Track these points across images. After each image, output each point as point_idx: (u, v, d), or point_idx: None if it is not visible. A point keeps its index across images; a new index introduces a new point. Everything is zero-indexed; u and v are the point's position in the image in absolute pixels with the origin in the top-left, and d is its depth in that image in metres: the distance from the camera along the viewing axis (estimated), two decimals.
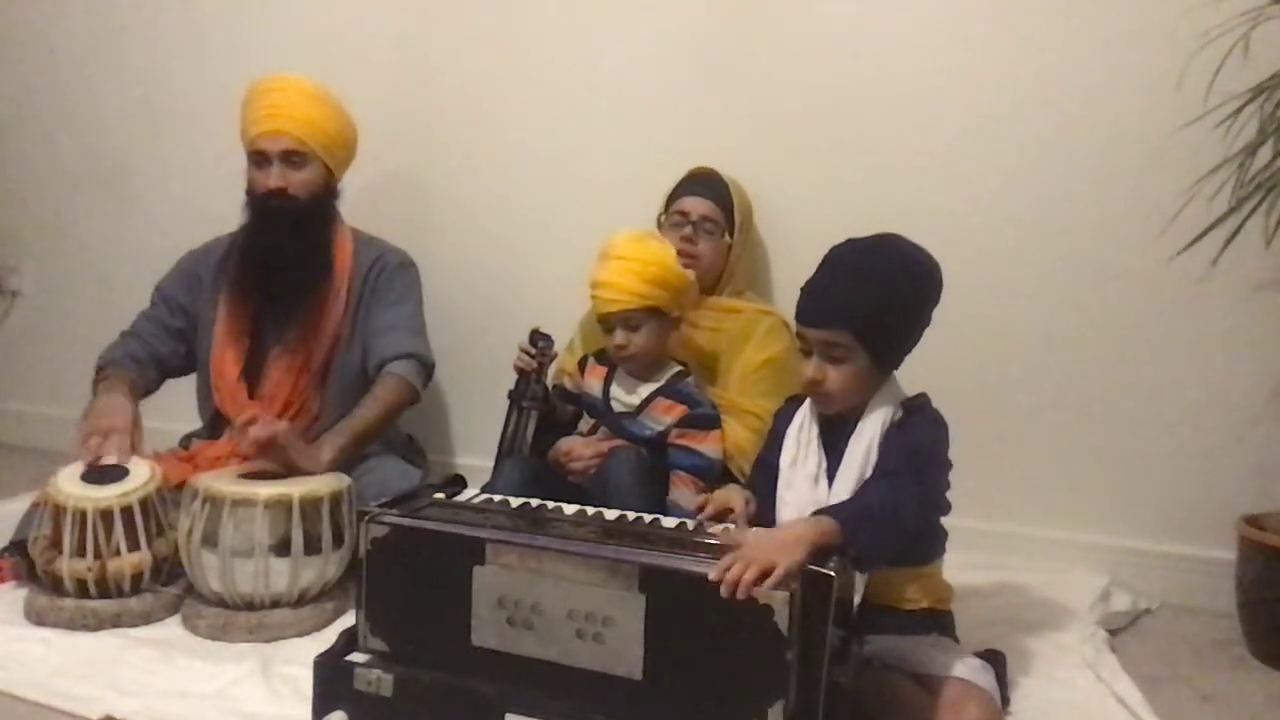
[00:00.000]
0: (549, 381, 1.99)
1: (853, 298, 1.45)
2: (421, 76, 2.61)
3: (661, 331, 1.85)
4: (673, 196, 2.09)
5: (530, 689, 1.30)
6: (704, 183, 2.08)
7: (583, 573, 1.29)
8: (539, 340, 1.95)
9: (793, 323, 2.00)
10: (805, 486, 1.50)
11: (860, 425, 1.49)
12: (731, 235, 2.05)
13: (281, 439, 1.86)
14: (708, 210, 2.04)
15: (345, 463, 1.99)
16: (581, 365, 1.98)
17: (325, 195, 2.18)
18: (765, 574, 1.19)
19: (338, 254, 2.21)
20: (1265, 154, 1.65)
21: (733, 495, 1.58)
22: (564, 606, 1.29)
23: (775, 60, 2.26)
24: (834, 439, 1.52)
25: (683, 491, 1.79)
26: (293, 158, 2.11)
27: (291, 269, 2.12)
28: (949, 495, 1.51)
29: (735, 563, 1.21)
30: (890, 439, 1.47)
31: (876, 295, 1.45)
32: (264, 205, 2.12)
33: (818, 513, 1.34)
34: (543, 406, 1.94)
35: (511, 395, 1.95)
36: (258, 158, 2.11)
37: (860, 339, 1.45)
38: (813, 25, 2.23)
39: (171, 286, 2.26)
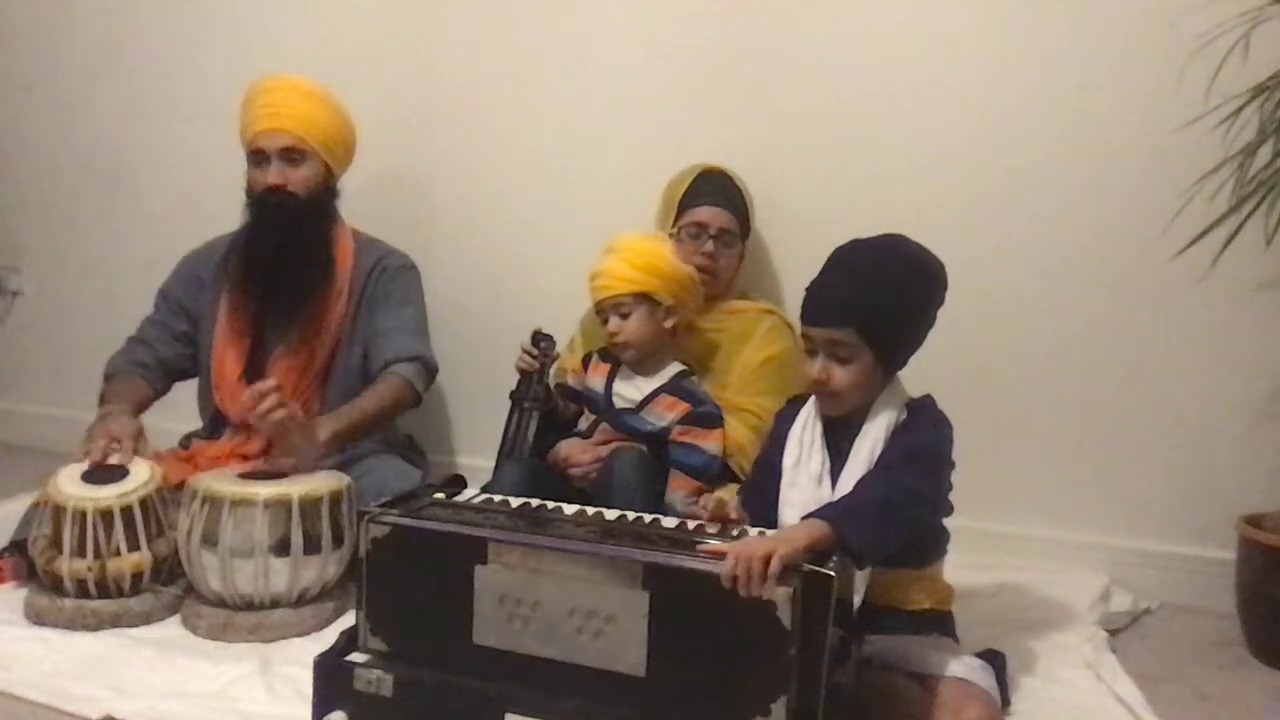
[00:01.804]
0: (550, 381, 1.99)
1: (858, 296, 1.45)
2: (421, 76, 2.61)
3: (653, 319, 1.85)
4: (685, 204, 2.03)
5: (532, 687, 1.30)
6: (719, 191, 2.02)
7: (585, 571, 1.29)
8: (541, 340, 1.95)
9: (795, 322, 2.02)
10: (809, 486, 1.50)
11: (865, 426, 1.49)
12: (745, 242, 2.04)
13: (291, 420, 1.86)
14: (727, 222, 2.00)
15: (343, 461, 1.99)
16: (585, 362, 1.99)
17: (324, 193, 2.18)
18: (764, 564, 1.19)
19: (338, 254, 2.21)
20: (1265, 154, 1.65)
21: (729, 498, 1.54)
22: (566, 605, 1.30)
23: (776, 60, 2.26)
24: (838, 439, 1.52)
25: (678, 494, 1.79)
26: (291, 155, 2.11)
27: (292, 266, 2.12)
28: (950, 496, 1.51)
29: (736, 563, 1.20)
30: (895, 439, 1.47)
31: (881, 293, 1.45)
32: (263, 203, 2.12)
33: (807, 516, 1.33)
34: (544, 407, 1.94)
35: (513, 395, 1.95)
36: (257, 156, 2.12)
37: (865, 337, 1.45)
38: (814, 25, 2.23)
39: (174, 289, 2.27)
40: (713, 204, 2.01)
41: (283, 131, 2.09)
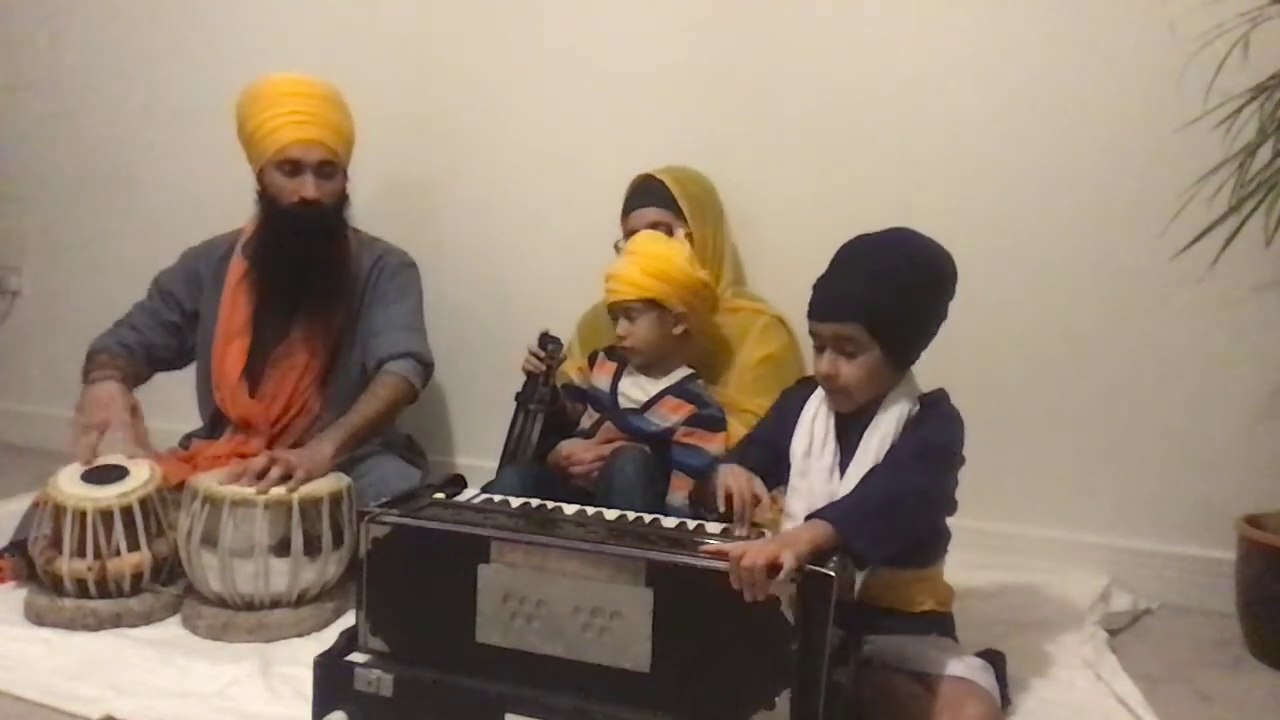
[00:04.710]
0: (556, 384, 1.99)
1: (864, 291, 1.45)
2: (423, 77, 2.61)
3: (661, 326, 1.85)
4: (623, 218, 2.10)
5: (535, 684, 1.31)
6: (643, 193, 2.08)
7: (589, 569, 1.29)
8: (548, 343, 1.94)
9: (789, 321, 2.03)
10: (821, 477, 1.50)
11: (876, 419, 1.48)
12: (687, 227, 2.05)
13: (299, 472, 1.82)
14: (653, 215, 2.04)
15: (343, 461, 1.99)
16: (592, 360, 1.99)
17: (344, 201, 2.18)
18: (770, 565, 1.20)
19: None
20: (1265, 154, 1.65)
21: (758, 486, 1.48)
22: (570, 602, 1.30)
23: (776, 60, 2.27)
24: (849, 431, 1.51)
25: (679, 495, 1.79)
26: (325, 169, 2.10)
27: (312, 275, 2.11)
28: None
29: (742, 561, 1.21)
30: (906, 433, 1.47)
31: (888, 288, 1.45)
32: (295, 215, 2.09)
33: (811, 516, 1.33)
34: (549, 409, 1.93)
35: (519, 397, 1.95)
36: (288, 166, 2.08)
37: (872, 332, 1.45)
38: (813, 26, 2.23)
39: (170, 281, 2.26)
40: (636, 207, 2.07)
41: (319, 144, 2.07)
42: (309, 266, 2.10)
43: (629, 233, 2.06)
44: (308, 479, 1.82)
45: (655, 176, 2.09)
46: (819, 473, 1.50)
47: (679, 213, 2.05)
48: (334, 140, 2.09)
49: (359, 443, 2.03)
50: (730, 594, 1.21)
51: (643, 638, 1.27)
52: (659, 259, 1.85)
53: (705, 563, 1.26)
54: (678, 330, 1.87)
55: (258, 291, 2.14)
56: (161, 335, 2.23)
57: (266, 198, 2.13)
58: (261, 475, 1.78)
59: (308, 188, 2.08)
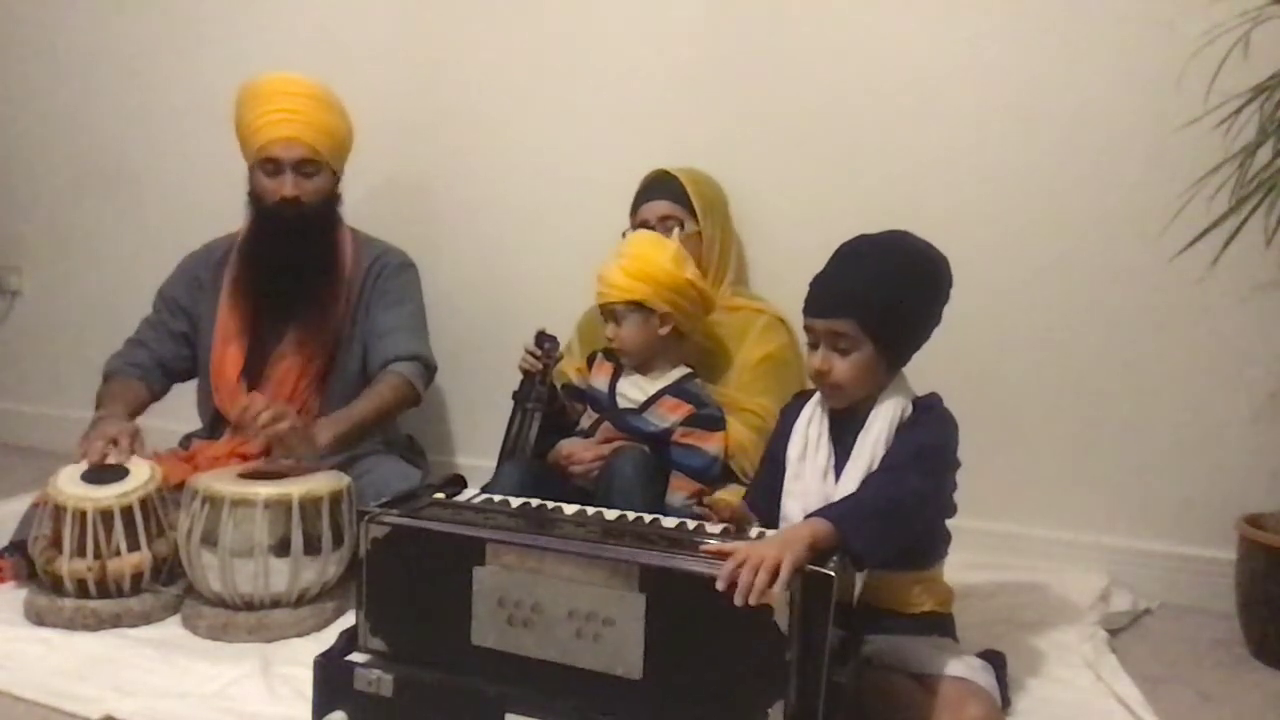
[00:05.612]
0: (554, 382, 1.99)
1: (859, 288, 1.46)
2: (423, 78, 2.61)
3: (647, 327, 1.85)
4: (633, 210, 2.11)
5: (530, 689, 1.30)
6: (657, 186, 2.10)
7: (583, 573, 1.29)
8: (544, 342, 1.95)
9: (789, 319, 2.03)
10: (814, 480, 1.50)
11: (869, 421, 1.49)
12: (698, 224, 2.06)
13: (290, 431, 1.86)
14: (665, 209, 2.06)
15: (343, 461, 1.99)
16: (590, 361, 1.99)
17: (332, 200, 2.18)
18: (772, 573, 1.19)
19: (340, 256, 2.20)
20: (1265, 154, 1.65)
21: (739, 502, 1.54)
22: (564, 606, 1.30)
23: (776, 60, 2.26)
24: (843, 434, 1.52)
25: (678, 495, 1.79)
26: (305, 167, 2.10)
27: (301, 275, 2.11)
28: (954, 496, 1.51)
29: (742, 567, 1.20)
30: (899, 436, 1.47)
31: (883, 286, 1.46)
32: (276, 214, 2.10)
33: (811, 515, 1.33)
34: (547, 408, 1.93)
35: (516, 396, 1.95)
36: (269, 165, 2.09)
37: (866, 329, 1.45)
38: (813, 26, 2.23)
39: (172, 290, 2.26)
40: (650, 199, 2.08)
41: (299, 142, 2.07)
42: (297, 265, 2.11)
43: (638, 225, 2.07)
44: (292, 431, 1.86)
45: (670, 172, 2.11)
46: (813, 474, 1.51)
47: (690, 209, 2.06)
48: (317, 139, 2.08)
49: (356, 436, 2.03)
50: (724, 601, 1.20)
51: (635, 644, 1.26)
52: (642, 260, 1.85)
53: (699, 568, 1.25)
54: (664, 330, 1.86)
55: (252, 293, 2.15)
56: (173, 347, 2.23)
57: (254, 197, 2.14)
58: (255, 417, 1.83)
59: (286, 186, 2.08)
